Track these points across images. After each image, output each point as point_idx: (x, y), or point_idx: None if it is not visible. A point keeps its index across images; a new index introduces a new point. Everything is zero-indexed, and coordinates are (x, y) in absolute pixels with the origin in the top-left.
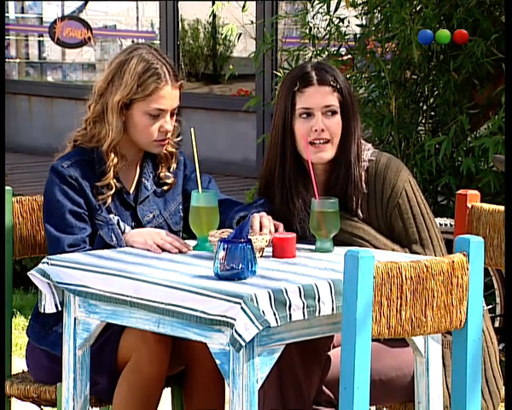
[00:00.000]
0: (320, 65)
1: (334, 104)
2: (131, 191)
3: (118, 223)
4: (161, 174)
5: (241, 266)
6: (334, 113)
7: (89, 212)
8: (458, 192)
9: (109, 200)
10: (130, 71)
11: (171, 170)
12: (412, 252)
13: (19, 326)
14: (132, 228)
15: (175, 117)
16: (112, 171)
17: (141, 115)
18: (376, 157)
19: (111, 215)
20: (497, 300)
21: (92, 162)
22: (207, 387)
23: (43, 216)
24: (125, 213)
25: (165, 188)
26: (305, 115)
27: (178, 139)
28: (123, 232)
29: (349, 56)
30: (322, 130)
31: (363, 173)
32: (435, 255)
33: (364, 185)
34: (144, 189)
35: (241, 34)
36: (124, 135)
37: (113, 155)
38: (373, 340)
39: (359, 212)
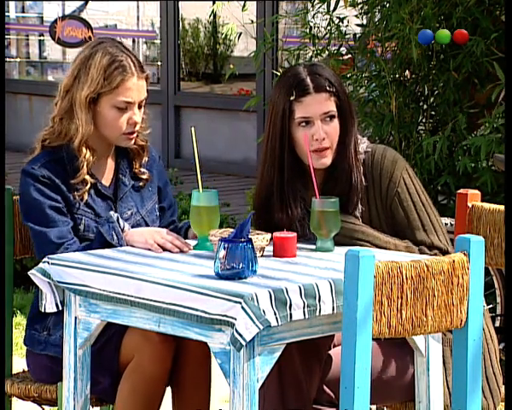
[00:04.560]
0: (313, 68)
1: (332, 109)
2: (108, 184)
3: (117, 220)
4: (136, 170)
5: (241, 265)
6: (332, 117)
7: (67, 207)
8: (459, 191)
9: (86, 195)
10: (95, 65)
11: (144, 163)
12: (416, 241)
13: (19, 326)
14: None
15: (143, 109)
16: (85, 166)
17: (109, 109)
18: (372, 148)
19: (111, 212)
20: (498, 299)
21: (62, 161)
22: (191, 381)
23: (22, 218)
24: (101, 205)
25: (141, 184)
26: (304, 124)
27: (148, 132)
28: (122, 230)
29: (349, 56)
30: (324, 138)
31: (361, 168)
32: (439, 239)
33: (363, 178)
34: (123, 185)
35: (241, 34)
36: (94, 129)
37: (85, 149)
38: (373, 339)
39: (360, 205)
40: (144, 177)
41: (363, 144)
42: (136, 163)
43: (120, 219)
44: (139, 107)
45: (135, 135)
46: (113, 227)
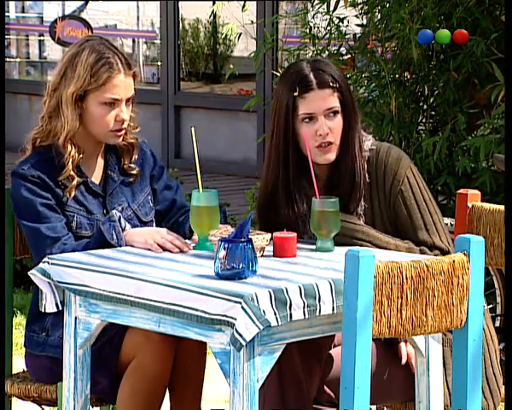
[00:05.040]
0: (316, 64)
1: (335, 105)
2: (98, 182)
3: (119, 219)
4: (125, 166)
5: (241, 265)
6: (335, 113)
7: (58, 205)
8: (459, 192)
9: (73, 191)
10: (82, 62)
11: (133, 160)
12: (417, 241)
13: (19, 326)
14: (104, 216)
15: (131, 107)
16: (70, 163)
17: (96, 106)
18: (377, 146)
19: (114, 211)
20: (498, 299)
21: (52, 160)
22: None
23: (16, 219)
24: (93, 202)
25: (131, 180)
26: (307, 119)
27: (137, 130)
28: (123, 229)
29: (349, 56)
30: (327, 133)
31: (365, 165)
32: (440, 240)
33: (367, 175)
34: (111, 181)
35: (241, 34)
36: (80, 128)
37: (69, 146)
38: (373, 339)
39: (362, 202)
40: (134, 172)
41: (368, 142)
42: (125, 160)
43: (122, 219)
44: (127, 104)
45: (122, 132)
46: (114, 226)
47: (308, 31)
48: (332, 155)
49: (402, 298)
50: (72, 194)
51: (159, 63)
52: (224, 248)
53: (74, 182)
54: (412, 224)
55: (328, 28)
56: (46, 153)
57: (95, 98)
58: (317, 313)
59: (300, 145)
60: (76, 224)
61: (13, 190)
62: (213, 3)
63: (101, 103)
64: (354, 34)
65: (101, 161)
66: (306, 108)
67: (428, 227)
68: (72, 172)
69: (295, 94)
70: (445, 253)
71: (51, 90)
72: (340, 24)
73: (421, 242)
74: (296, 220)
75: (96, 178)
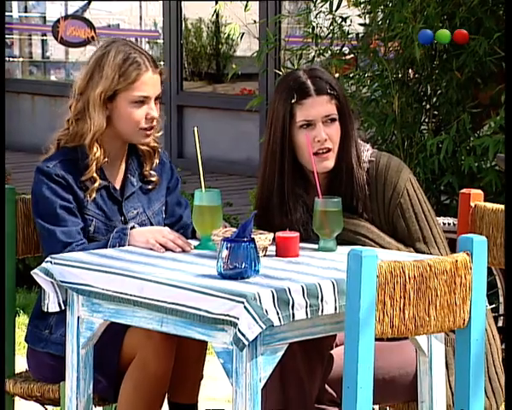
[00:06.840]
0: (313, 72)
1: (333, 113)
2: (118, 187)
3: (132, 228)
4: (145, 172)
5: (244, 265)
6: (333, 120)
7: (78, 207)
8: (461, 191)
9: (94, 193)
10: (109, 63)
11: (154, 166)
12: (416, 250)
13: (22, 325)
14: (121, 222)
15: (159, 105)
16: (94, 164)
17: (126, 105)
18: (376, 157)
19: (132, 223)
20: (501, 299)
21: (76, 161)
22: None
23: (33, 215)
24: (112, 208)
25: (150, 187)
26: (305, 126)
27: (160, 134)
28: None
29: (352, 55)
30: (325, 140)
31: (364, 175)
32: (439, 252)
33: (366, 187)
34: (130, 185)
35: (244, 33)
36: (107, 129)
37: (95, 148)
38: (376, 339)
39: (364, 215)
40: (153, 179)
41: (368, 152)
42: (147, 165)
43: (136, 226)
44: (155, 102)
45: (152, 131)
46: (121, 239)
47: (311, 30)
48: (330, 163)
49: (405, 298)
50: (93, 196)
51: (161, 63)
52: (227, 248)
53: (96, 184)
54: (410, 236)
55: (331, 28)
56: (71, 153)
57: (125, 97)
58: (320, 313)
59: (297, 154)
60: (94, 228)
61: (35, 186)
62: (216, 3)
63: (132, 102)
64: (357, 34)
65: (123, 167)
66: (305, 114)
67: (427, 240)
68: (94, 174)
69: (293, 101)
70: None
71: (78, 94)
72: (343, 23)
73: (419, 253)
74: (292, 228)
75: (117, 183)
